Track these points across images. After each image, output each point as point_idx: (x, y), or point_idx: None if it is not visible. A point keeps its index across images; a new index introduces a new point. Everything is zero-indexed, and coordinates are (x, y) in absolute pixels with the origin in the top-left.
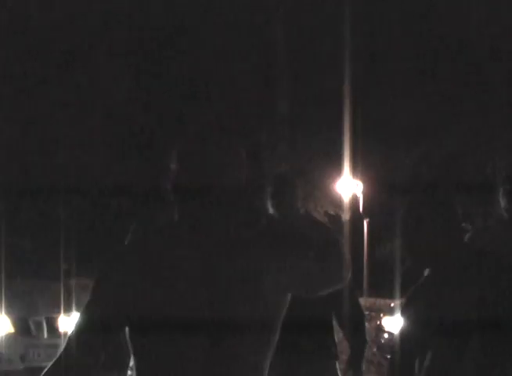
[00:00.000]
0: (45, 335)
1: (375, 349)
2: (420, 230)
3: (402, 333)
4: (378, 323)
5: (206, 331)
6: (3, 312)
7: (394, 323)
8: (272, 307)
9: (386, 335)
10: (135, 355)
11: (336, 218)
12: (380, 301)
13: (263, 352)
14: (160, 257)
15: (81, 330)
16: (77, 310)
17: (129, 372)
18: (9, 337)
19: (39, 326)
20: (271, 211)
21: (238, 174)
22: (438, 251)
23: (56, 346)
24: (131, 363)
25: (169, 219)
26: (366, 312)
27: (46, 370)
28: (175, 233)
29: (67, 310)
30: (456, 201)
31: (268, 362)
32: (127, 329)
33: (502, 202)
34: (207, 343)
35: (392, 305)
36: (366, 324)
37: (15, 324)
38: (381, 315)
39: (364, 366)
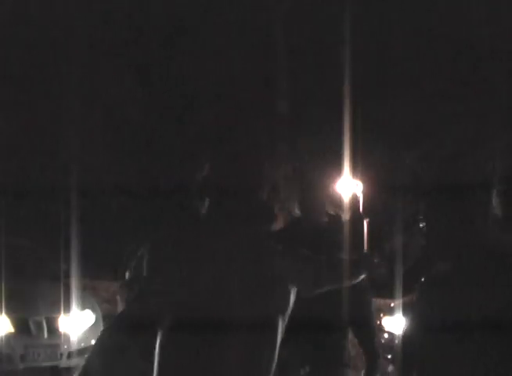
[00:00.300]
0: (45, 335)
1: None
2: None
3: (406, 333)
4: (378, 323)
5: (229, 324)
6: (3, 312)
7: (394, 323)
8: (286, 300)
9: (386, 335)
10: (162, 347)
11: (336, 218)
12: (380, 301)
13: (275, 341)
14: (186, 255)
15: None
16: (77, 310)
17: None
18: (9, 337)
19: (39, 326)
20: (297, 213)
21: (266, 178)
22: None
23: (56, 346)
24: None
25: (196, 219)
26: None
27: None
28: (202, 232)
29: (67, 310)
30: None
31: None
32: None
33: (495, 202)
34: (230, 335)
35: (392, 305)
36: None
37: (15, 324)
38: (381, 315)
39: None
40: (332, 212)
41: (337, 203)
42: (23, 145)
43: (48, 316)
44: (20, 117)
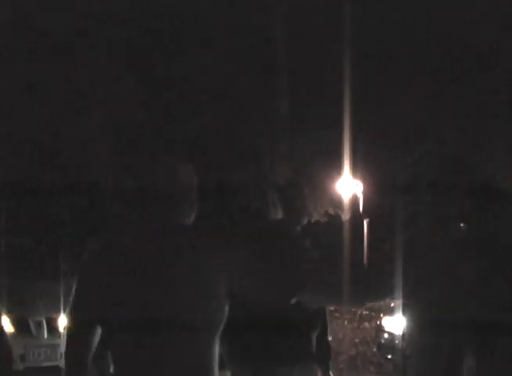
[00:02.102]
0: (45, 335)
1: (375, 349)
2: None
3: (408, 333)
4: (378, 323)
5: (161, 326)
6: (3, 312)
7: (394, 323)
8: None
9: (386, 335)
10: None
11: (336, 218)
12: (380, 302)
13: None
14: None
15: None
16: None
17: None
18: (9, 337)
19: (39, 326)
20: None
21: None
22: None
23: (56, 346)
24: None
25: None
26: (366, 312)
27: None
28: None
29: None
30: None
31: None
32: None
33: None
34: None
35: (392, 305)
36: (366, 324)
37: (15, 324)
38: (381, 315)
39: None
40: (332, 212)
41: (337, 203)
42: (23, 144)
43: (48, 316)
44: (20, 117)
